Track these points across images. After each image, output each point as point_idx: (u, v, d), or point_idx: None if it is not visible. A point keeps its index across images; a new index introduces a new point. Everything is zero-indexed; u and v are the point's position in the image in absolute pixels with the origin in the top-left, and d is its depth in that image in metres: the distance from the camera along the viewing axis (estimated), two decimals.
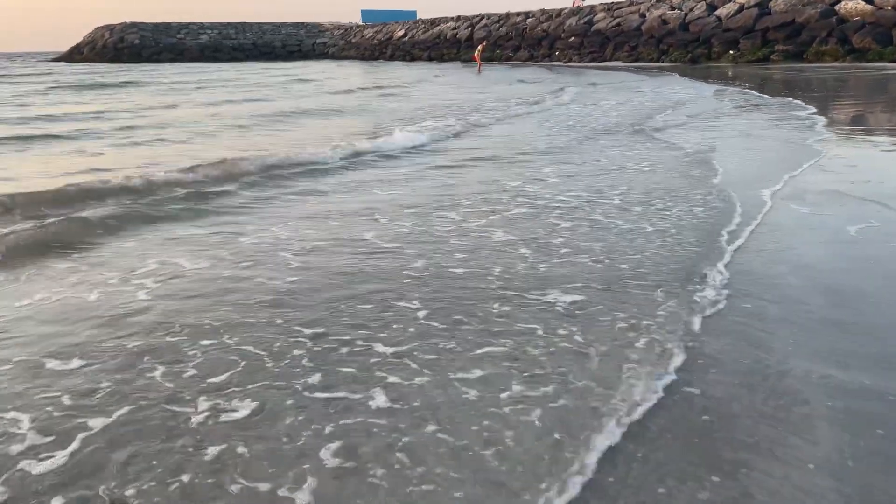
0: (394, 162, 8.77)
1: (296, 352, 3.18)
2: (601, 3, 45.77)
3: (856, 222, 5.08)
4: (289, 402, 2.73)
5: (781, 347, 3.13)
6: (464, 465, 2.31)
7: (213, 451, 2.41)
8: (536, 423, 2.55)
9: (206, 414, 2.64)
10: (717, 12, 35.90)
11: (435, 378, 2.91)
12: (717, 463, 2.32)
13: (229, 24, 79.75)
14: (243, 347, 3.24)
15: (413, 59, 58.27)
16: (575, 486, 2.21)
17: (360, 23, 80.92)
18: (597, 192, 6.40)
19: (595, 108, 15.11)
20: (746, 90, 17.90)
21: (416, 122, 12.81)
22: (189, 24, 78.07)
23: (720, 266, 4.23)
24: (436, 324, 3.46)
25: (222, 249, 4.86)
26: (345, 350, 3.18)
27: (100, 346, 3.27)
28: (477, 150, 9.38)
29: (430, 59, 55.92)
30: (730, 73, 26.19)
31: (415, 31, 63.04)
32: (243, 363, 3.08)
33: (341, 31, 77.43)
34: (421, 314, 3.60)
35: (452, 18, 60.29)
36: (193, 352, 3.20)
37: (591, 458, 2.34)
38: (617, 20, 42.15)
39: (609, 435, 2.47)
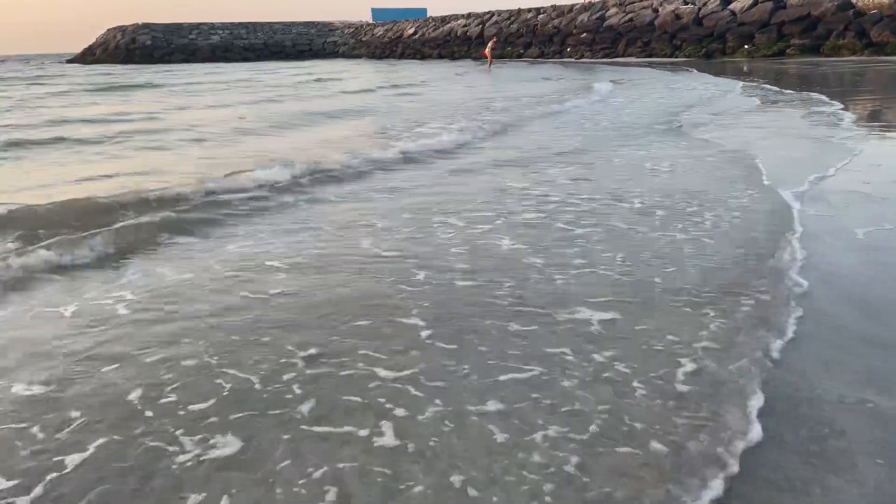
0: (452, 160, 8.56)
1: (286, 376, 2.94)
2: None
3: None
4: (279, 437, 2.49)
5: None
6: None
7: (193, 501, 2.17)
8: (580, 476, 2.23)
9: (188, 452, 2.40)
10: (732, 6, 35.34)
11: (447, 409, 2.63)
12: None
13: (240, 24, 79.80)
14: (228, 370, 3.00)
15: (424, 57, 57.95)
16: None
17: (371, 21, 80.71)
18: (663, 195, 6.08)
19: (626, 104, 14.71)
20: (764, 85, 17.47)
21: (454, 121, 12.53)
22: (200, 24, 78.19)
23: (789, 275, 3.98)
24: (442, 344, 3.20)
25: (213, 259, 4.64)
26: (342, 374, 2.94)
27: (72, 370, 3.04)
28: (515, 150, 9.12)
29: (440, 57, 55.56)
30: (745, 69, 25.71)
31: (425, 29, 62.72)
32: (229, 388, 2.84)
33: (352, 30, 77.25)
34: (424, 333, 3.34)
35: (463, 16, 59.93)
36: (172, 374, 2.97)
37: None
38: (629, 15, 41.65)
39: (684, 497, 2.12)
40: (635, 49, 39.26)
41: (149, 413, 2.65)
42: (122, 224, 5.35)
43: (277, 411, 2.65)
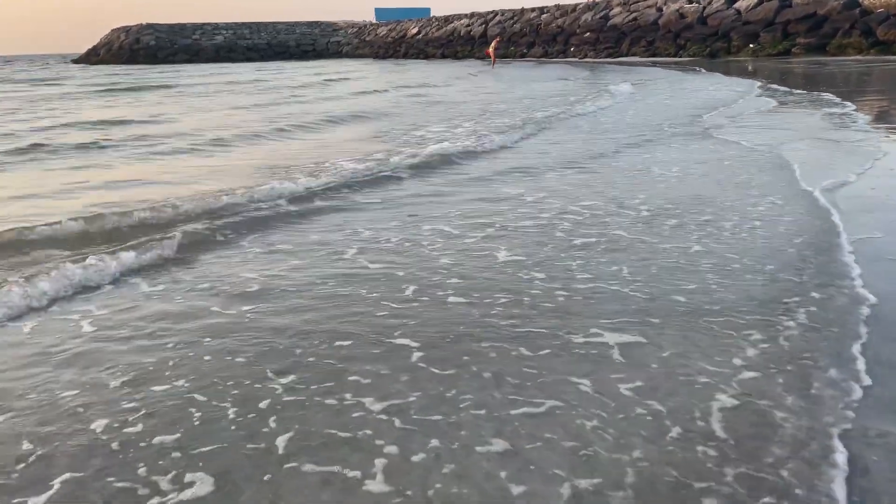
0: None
1: (263, 404, 2.78)
2: None
3: None
4: (255, 475, 2.33)
5: None
6: None
7: None
8: None
9: (156, 493, 2.24)
10: (737, 5, 35.07)
11: (445, 448, 2.42)
12: None
13: (244, 23, 79.73)
14: (198, 397, 2.84)
15: (427, 56, 57.79)
16: None
17: (374, 21, 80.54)
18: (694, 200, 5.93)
19: (644, 105, 14.53)
20: (771, 85, 17.23)
21: (482, 122, 12.41)
22: (204, 24, 78.16)
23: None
24: (436, 369, 3.03)
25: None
26: (325, 403, 2.77)
27: (25, 397, 2.88)
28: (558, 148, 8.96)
29: (444, 57, 55.39)
30: (750, 68, 25.48)
31: (429, 28, 62.55)
32: (199, 417, 2.69)
33: (355, 30, 77.10)
34: (416, 356, 3.18)
35: (466, 15, 59.72)
36: (137, 402, 2.81)
37: None
38: (633, 15, 41.39)
39: None
40: (639, 48, 39.03)
41: (115, 446, 2.50)
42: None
43: (252, 446, 2.49)
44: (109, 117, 14.98)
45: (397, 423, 2.61)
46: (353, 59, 62.50)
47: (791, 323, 3.38)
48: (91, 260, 4.43)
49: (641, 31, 39.78)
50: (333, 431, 2.56)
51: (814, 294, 3.73)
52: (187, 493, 2.24)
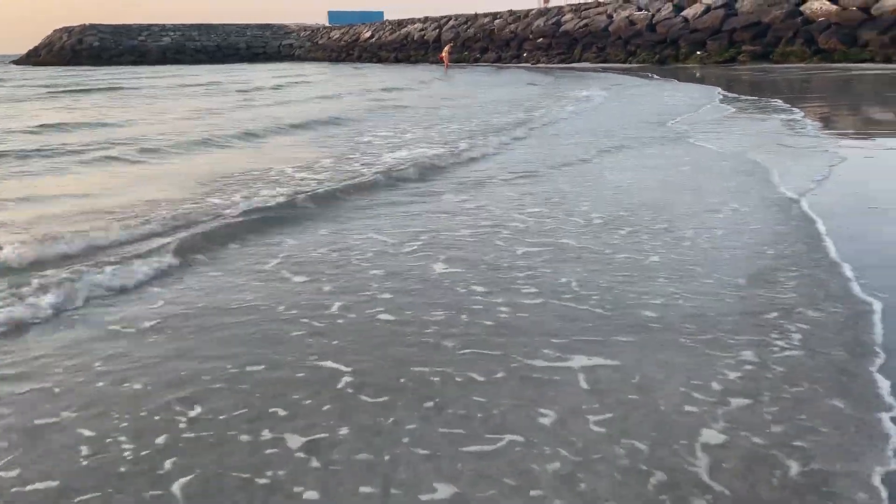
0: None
1: (160, 440, 2.46)
2: (568, 4, 45.44)
3: None
4: None
5: None
6: None
7: None
8: None
9: None
10: (684, 13, 35.70)
11: (380, 495, 2.11)
12: None
13: (192, 25, 78.06)
14: (86, 431, 2.50)
15: (381, 60, 57.43)
16: None
17: (327, 24, 79.77)
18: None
19: (611, 111, 14.39)
20: (727, 92, 17.39)
21: (435, 128, 12.08)
22: (150, 25, 76.29)
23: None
24: (368, 398, 2.76)
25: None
26: (238, 440, 2.47)
27: None
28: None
29: (397, 61, 55.10)
30: (698, 74, 25.89)
31: (382, 32, 62.20)
32: (86, 454, 2.37)
33: (308, 33, 76.23)
34: (344, 381, 2.89)
35: (420, 20, 59.54)
36: (11, 438, 2.48)
37: None
38: (584, 21, 41.81)
39: None
40: (591, 54, 39.41)
41: None
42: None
43: (150, 493, 2.18)
44: (48, 121, 14.15)
45: (321, 463, 2.32)
46: (306, 63, 61.65)
47: (782, 341, 3.11)
48: None
49: (593, 38, 40.19)
50: (245, 475, 2.26)
51: (806, 309, 3.46)
52: None
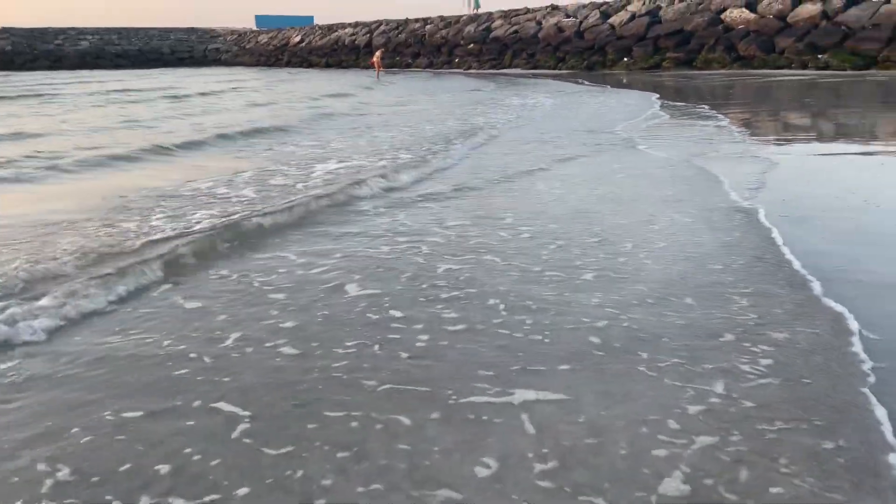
0: None
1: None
2: (499, 11, 45.76)
3: None
4: None
5: None
6: None
7: None
8: None
9: None
10: (611, 20, 36.44)
11: None
12: None
13: (112, 28, 75.04)
14: None
15: (311, 65, 56.49)
16: None
17: (255, 28, 78.10)
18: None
19: (555, 118, 14.19)
20: (666, 100, 17.65)
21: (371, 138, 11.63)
22: (67, 29, 72.91)
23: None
24: (270, 449, 2.43)
25: None
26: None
27: None
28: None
29: (328, 66, 54.30)
30: (625, 80, 26.35)
31: (312, 37, 61.24)
32: None
33: (235, 37, 74.39)
34: (239, 430, 2.54)
35: (350, 24, 58.91)
36: None
37: None
38: (514, 27, 42.19)
39: None
40: (521, 61, 39.76)
41: None
42: None
43: None
44: None
45: None
46: (234, 68, 60.10)
47: (750, 366, 2.86)
48: None
49: (523, 44, 40.57)
50: None
51: (775, 329, 3.21)
52: None
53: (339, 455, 2.37)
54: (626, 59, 33.97)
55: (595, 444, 2.38)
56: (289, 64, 59.53)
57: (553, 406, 2.63)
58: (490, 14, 45.89)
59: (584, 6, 39.69)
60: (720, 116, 12.98)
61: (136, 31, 75.30)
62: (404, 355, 3.11)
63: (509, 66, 39.96)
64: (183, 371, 3.00)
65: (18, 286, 3.97)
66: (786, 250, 4.47)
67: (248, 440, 2.48)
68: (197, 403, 2.72)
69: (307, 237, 5.25)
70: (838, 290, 3.73)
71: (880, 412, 2.53)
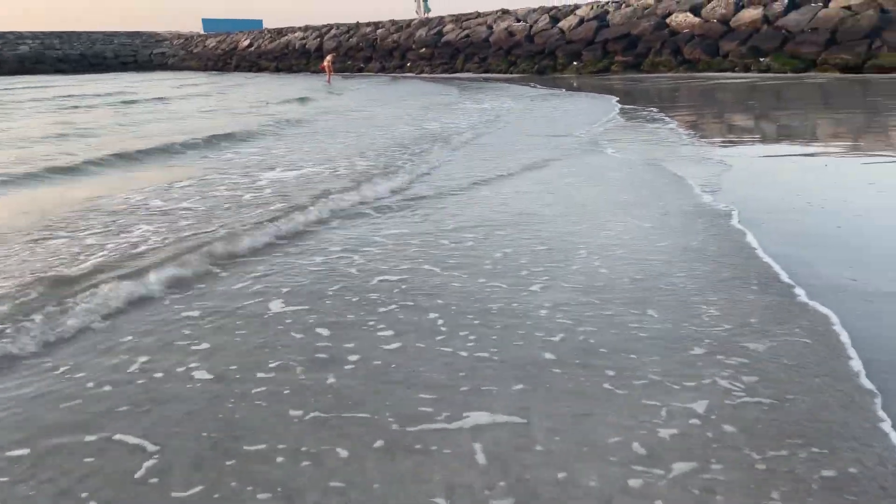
0: None
1: None
2: (450, 15, 45.72)
3: None
4: None
5: None
6: None
7: None
8: None
9: None
10: (560, 25, 36.71)
11: None
12: None
13: (53, 33, 72.64)
14: None
15: (260, 69, 55.62)
16: None
17: (202, 32, 76.55)
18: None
19: (518, 124, 14.03)
20: (624, 104, 17.77)
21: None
22: (5, 33, 70.29)
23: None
24: (179, 492, 2.20)
25: None
26: None
27: None
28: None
29: (277, 70, 53.54)
30: (575, 84, 26.55)
31: (261, 41, 60.26)
32: None
33: (181, 41, 72.75)
34: (146, 467, 2.29)
35: (301, 28, 58.16)
36: None
37: None
38: (466, 31, 42.18)
39: None
40: (473, 65, 39.76)
41: None
42: None
43: None
44: None
45: None
46: (181, 72, 58.76)
47: (726, 382, 2.64)
48: None
49: (474, 48, 40.57)
50: None
51: (750, 339, 3.01)
52: None
53: (261, 496, 2.15)
54: (575, 62, 34.24)
55: (556, 476, 2.15)
56: (238, 68, 58.51)
57: (507, 431, 2.41)
58: (441, 18, 45.82)
59: (534, 10, 39.93)
60: (667, 119, 13.09)
61: (79, 36, 73.13)
62: (332, 379, 2.90)
63: (461, 70, 39.93)
64: (76, 401, 2.73)
65: None
66: (762, 253, 4.40)
67: (153, 479, 2.24)
68: (93, 437, 2.47)
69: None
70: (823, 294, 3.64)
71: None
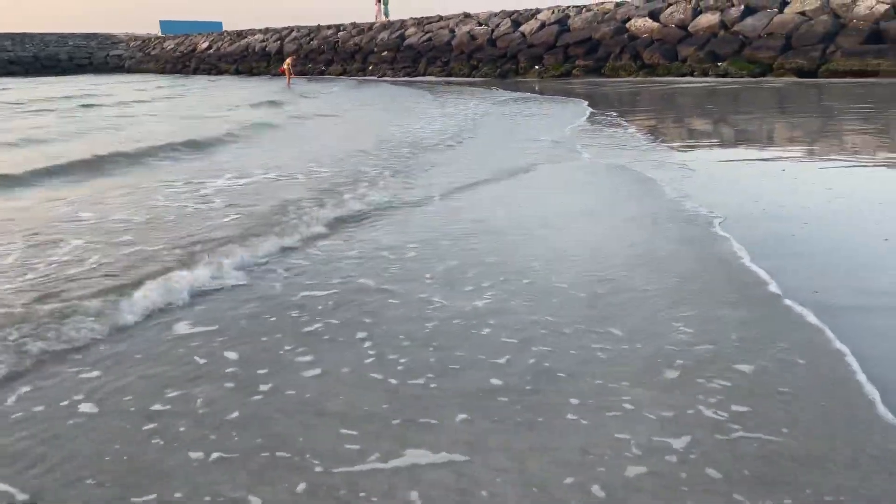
0: None
1: None
2: (411, 18, 45.49)
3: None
4: None
5: None
6: None
7: None
8: None
9: None
10: (522, 29, 36.74)
11: None
12: None
13: (4, 34, 70.56)
14: None
15: (220, 72, 54.65)
16: None
17: (160, 34, 75.08)
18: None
19: (491, 130, 13.71)
20: (589, 106, 17.60)
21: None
22: None
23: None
24: None
25: None
26: None
27: None
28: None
29: (238, 73, 52.66)
30: (537, 88, 26.49)
31: (220, 43, 59.27)
32: None
33: (139, 43, 71.24)
34: None
35: (261, 31, 57.36)
36: None
37: None
38: (428, 35, 41.99)
39: None
40: (435, 68, 39.56)
41: None
42: None
43: None
44: None
45: None
46: (138, 75, 57.45)
47: (710, 411, 2.41)
48: None
49: (437, 52, 40.39)
50: None
51: (735, 361, 2.77)
52: None
53: None
54: (537, 66, 34.26)
55: None
56: (197, 71, 57.45)
57: (449, 472, 2.11)
58: (403, 21, 45.55)
59: (496, 14, 39.91)
60: (626, 124, 12.99)
61: (31, 37, 71.14)
62: (236, 414, 2.57)
63: (424, 74, 39.69)
64: None
65: None
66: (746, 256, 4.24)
67: None
68: None
69: None
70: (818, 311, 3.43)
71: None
